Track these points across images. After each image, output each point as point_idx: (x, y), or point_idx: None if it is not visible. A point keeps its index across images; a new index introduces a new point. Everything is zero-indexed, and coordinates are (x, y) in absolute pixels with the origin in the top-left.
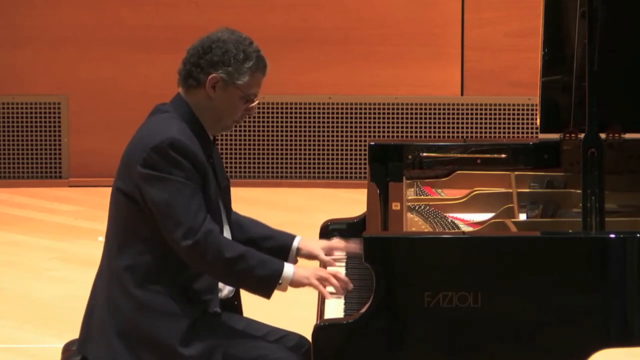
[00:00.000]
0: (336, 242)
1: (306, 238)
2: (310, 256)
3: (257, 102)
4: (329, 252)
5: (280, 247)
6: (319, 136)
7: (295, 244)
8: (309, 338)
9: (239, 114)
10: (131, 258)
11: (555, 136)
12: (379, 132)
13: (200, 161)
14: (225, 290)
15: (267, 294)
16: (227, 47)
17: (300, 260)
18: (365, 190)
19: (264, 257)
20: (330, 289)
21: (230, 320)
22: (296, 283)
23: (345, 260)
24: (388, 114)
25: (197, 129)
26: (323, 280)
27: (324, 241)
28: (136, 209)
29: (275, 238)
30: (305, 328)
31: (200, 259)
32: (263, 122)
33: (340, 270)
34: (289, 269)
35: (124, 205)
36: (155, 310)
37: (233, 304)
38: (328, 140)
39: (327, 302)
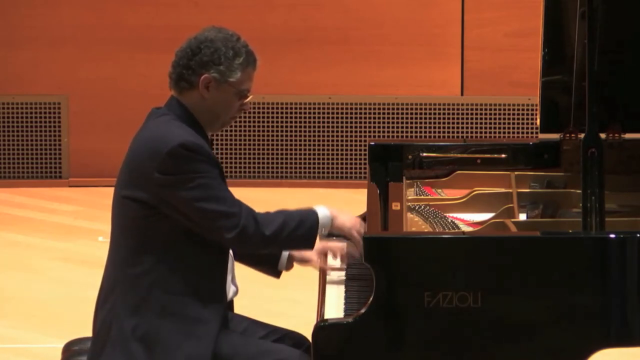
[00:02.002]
0: (332, 243)
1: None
2: (303, 261)
3: (251, 96)
4: (322, 252)
5: (269, 253)
6: (319, 136)
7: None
8: (309, 337)
9: (234, 110)
10: (148, 263)
11: (555, 136)
12: (379, 132)
13: (214, 157)
14: (230, 292)
15: (310, 247)
16: (215, 46)
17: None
18: (365, 190)
19: (299, 216)
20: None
21: (234, 321)
22: (340, 227)
23: (345, 270)
24: (388, 114)
25: (197, 129)
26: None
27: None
28: (151, 214)
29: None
30: (305, 328)
31: (248, 242)
32: (263, 122)
33: (340, 273)
34: (324, 214)
35: (137, 213)
36: (177, 316)
37: (230, 304)
38: (328, 140)
39: (327, 301)
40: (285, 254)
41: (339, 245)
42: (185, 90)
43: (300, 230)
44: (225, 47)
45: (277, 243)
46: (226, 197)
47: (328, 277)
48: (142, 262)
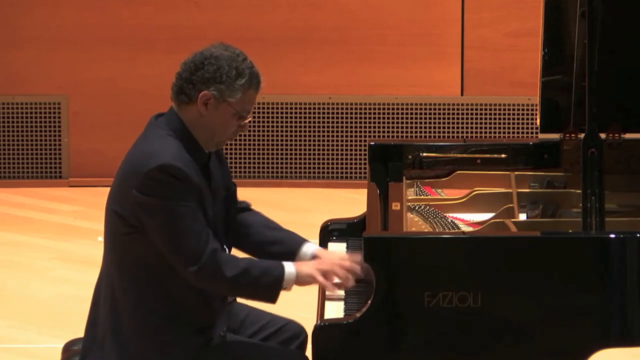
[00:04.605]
0: (354, 256)
1: (322, 249)
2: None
3: (250, 118)
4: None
5: (286, 253)
6: (319, 136)
7: (306, 250)
8: (309, 338)
9: (231, 131)
10: (127, 282)
11: (555, 136)
12: (379, 132)
13: (195, 183)
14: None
15: (273, 301)
16: (219, 64)
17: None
18: (365, 190)
19: (266, 265)
20: (337, 280)
21: (234, 311)
22: (302, 283)
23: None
24: (388, 114)
25: (191, 145)
26: (328, 274)
27: (341, 253)
28: (133, 232)
29: (282, 243)
30: (305, 328)
31: (207, 282)
32: (263, 122)
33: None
34: (290, 271)
35: (119, 228)
36: (154, 337)
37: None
38: (328, 140)
39: (327, 302)
40: (303, 252)
41: (346, 276)
42: (184, 104)
43: (263, 280)
44: (228, 66)
45: (237, 288)
46: (194, 231)
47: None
48: (122, 279)
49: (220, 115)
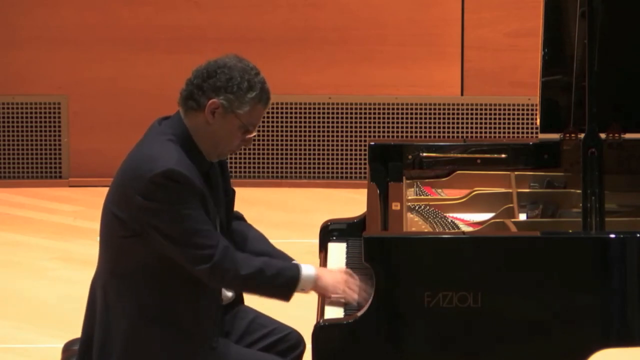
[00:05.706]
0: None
1: (321, 268)
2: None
3: (255, 133)
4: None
5: None
6: (319, 136)
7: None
8: (309, 338)
9: (235, 143)
10: (122, 285)
11: (555, 136)
12: (379, 132)
13: (198, 187)
14: (225, 299)
15: (286, 299)
16: (232, 74)
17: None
18: (365, 190)
19: (280, 266)
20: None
21: (238, 316)
22: (322, 289)
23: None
24: (388, 114)
25: (193, 152)
26: (351, 291)
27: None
28: (132, 235)
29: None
30: (305, 328)
31: (220, 280)
32: (263, 122)
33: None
34: (308, 273)
35: (117, 231)
36: (148, 338)
37: (238, 299)
38: (328, 140)
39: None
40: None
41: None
42: (191, 111)
43: (276, 281)
44: (241, 78)
45: (250, 286)
46: (202, 230)
47: None
48: (116, 281)
49: (226, 125)
